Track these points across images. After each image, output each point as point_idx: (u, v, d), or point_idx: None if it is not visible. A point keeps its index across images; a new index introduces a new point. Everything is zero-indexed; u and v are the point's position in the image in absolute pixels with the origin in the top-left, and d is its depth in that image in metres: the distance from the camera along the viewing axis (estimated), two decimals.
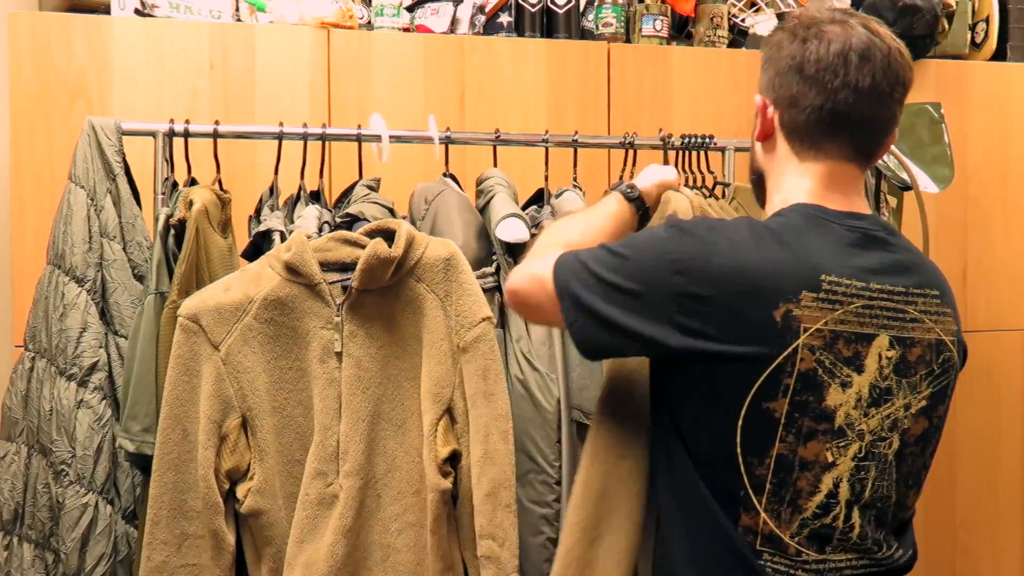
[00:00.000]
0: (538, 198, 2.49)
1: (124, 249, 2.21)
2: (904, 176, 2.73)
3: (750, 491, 1.59)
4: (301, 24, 2.98)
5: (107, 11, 2.88)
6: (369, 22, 3.12)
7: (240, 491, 2.03)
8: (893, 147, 2.73)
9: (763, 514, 1.60)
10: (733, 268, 1.56)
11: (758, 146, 1.76)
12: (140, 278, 2.20)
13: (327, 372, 2.04)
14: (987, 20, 3.56)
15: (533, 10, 3.21)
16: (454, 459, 2.07)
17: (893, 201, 2.86)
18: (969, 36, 3.58)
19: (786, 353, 1.55)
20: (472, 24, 3.17)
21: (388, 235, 2.09)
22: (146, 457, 2.05)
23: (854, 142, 1.67)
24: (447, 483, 2.03)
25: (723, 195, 2.56)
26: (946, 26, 3.45)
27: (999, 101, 3.53)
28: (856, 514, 1.63)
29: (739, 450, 1.58)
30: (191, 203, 2.13)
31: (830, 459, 1.59)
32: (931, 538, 3.46)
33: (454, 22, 3.15)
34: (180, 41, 2.87)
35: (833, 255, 1.60)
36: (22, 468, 2.18)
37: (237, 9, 3.02)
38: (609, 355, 1.80)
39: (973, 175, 3.49)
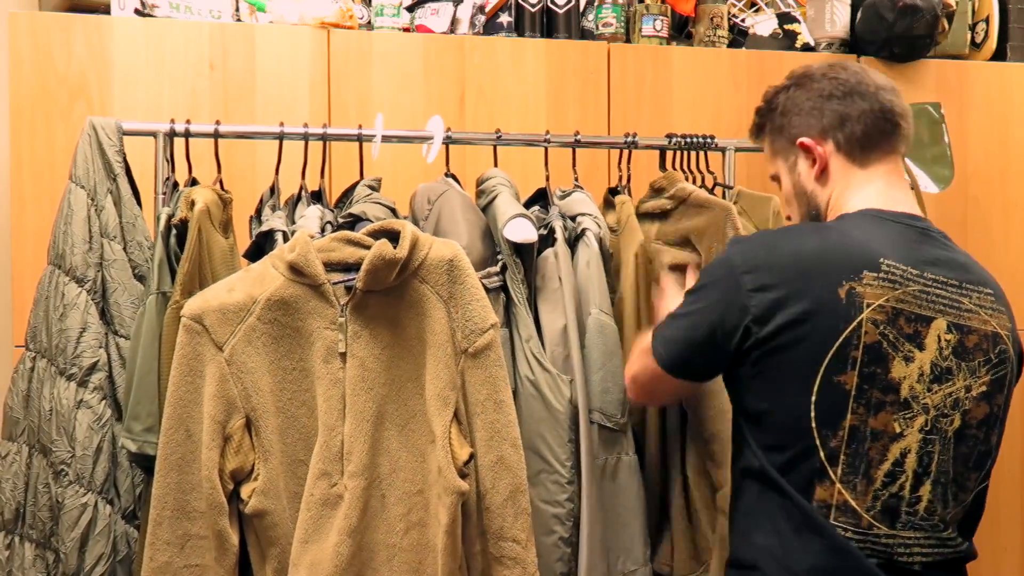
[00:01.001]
0: (538, 198, 2.49)
1: (124, 249, 2.21)
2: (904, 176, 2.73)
3: (826, 463, 1.72)
4: (301, 24, 2.97)
5: (107, 11, 2.88)
6: (369, 22, 3.12)
7: (244, 492, 2.02)
8: None
9: (838, 484, 1.72)
10: (794, 253, 1.76)
11: (812, 186, 1.90)
12: (140, 278, 2.20)
13: (331, 372, 2.04)
14: (987, 20, 3.56)
15: (533, 10, 3.21)
16: (467, 461, 2.07)
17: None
18: (969, 36, 3.58)
19: (852, 327, 1.70)
20: (472, 24, 3.17)
21: (392, 236, 2.08)
22: (148, 457, 2.05)
23: (899, 133, 1.87)
24: (466, 485, 2.03)
25: (723, 196, 2.56)
26: (946, 26, 3.45)
27: (999, 101, 3.53)
28: (925, 488, 1.73)
29: (814, 424, 1.71)
30: (193, 203, 2.13)
31: (897, 430, 1.71)
32: None
33: (454, 22, 3.15)
34: (180, 41, 2.86)
35: (891, 244, 1.76)
36: (23, 468, 2.18)
37: (237, 9, 3.02)
38: (716, 371, 1.92)
39: (973, 175, 3.49)
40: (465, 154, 2.72)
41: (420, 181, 2.46)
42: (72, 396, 2.14)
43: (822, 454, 1.71)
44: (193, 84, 2.87)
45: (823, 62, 1.95)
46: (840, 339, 1.69)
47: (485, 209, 2.34)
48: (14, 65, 2.76)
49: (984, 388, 1.77)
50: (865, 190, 1.85)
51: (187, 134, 2.29)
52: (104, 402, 2.16)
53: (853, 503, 1.72)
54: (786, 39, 3.41)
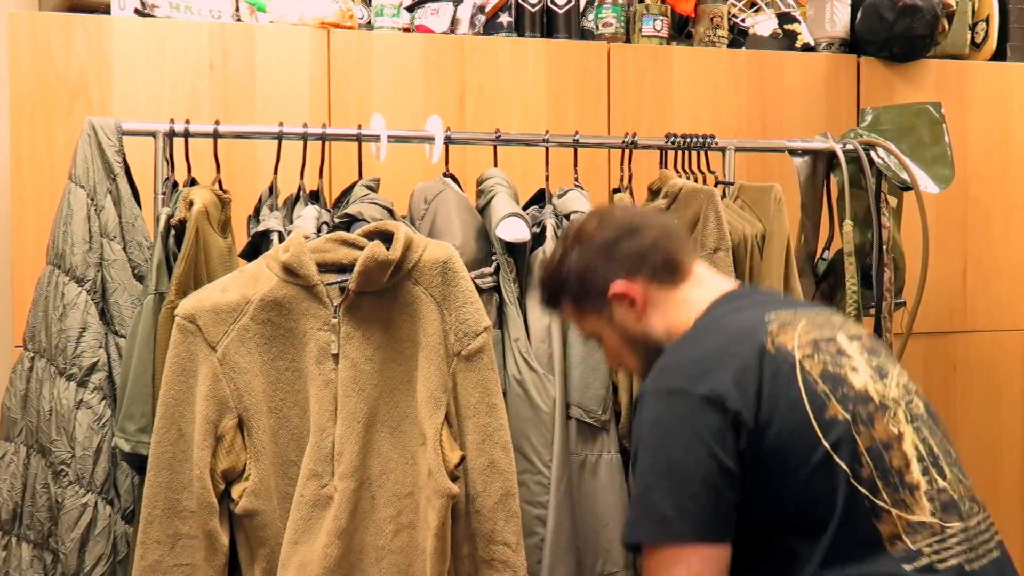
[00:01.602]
0: (539, 198, 2.49)
1: (124, 249, 2.21)
2: (904, 176, 2.72)
3: (870, 496, 1.62)
4: (301, 24, 2.98)
5: (107, 11, 2.88)
6: (369, 22, 3.12)
7: (235, 492, 2.02)
8: (894, 147, 2.75)
9: (893, 511, 1.62)
10: (707, 349, 1.70)
11: (641, 326, 1.84)
12: (140, 278, 2.20)
13: (323, 373, 2.04)
14: (987, 20, 3.56)
15: (533, 10, 3.21)
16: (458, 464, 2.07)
17: (893, 201, 2.86)
18: (969, 36, 3.58)
19: (797, 369, 1.66)
20: (472, 24, 3.17)
21: (386, 237, 2.08)
22: (141, 457, 2.05)
23: (688, 246, 1.92)
24: (456, 488, 2.04)
25: (724, 194, 2.56)
26: (946, 26, 3.45)
27: (999, 101, 3.53)
28: (945, 469, 1.70)
29: (843, 466, 1.62)
30: (191, 203, 2.13)
31: (895, 431, 1.67)
32: None
33: (454, 22, 3.15)
34: (180, 41, 2.87)
35: (760, 306, 1.78)
36: (21, 468, 2.18)
37: (237, 9, 3.02)
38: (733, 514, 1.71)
39: (973, 175, 3.49)
40: (465, 154, 2.72)
41: (419, 181, 2.46)
42: (72, 396, 2.14)
43: (864, 490, 1.62)
44: (193, 84, 2.87)
45: (581, 216, 1.95)
46: (800, 382, 1.65)
47: (483, 209, 2.35)
48: (14, 65, 2.76)
49: (906, 374, 1.79)
50: (692, 297, 1.83)
51: (187, 134, 2.29)
52: (104, 402, 2.16)
53: (918, 517, 1.64)
54: (786, 39, 3.41)
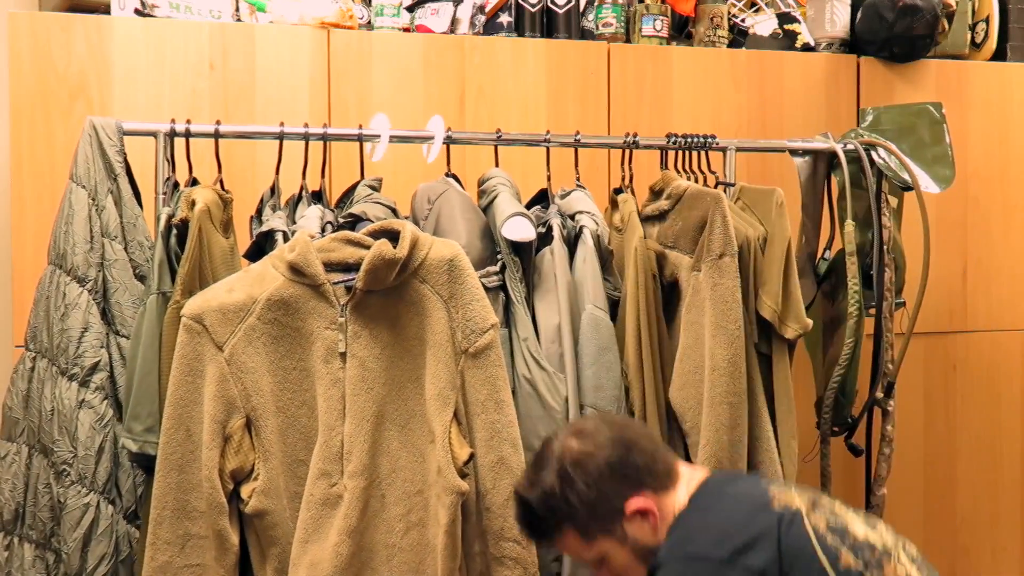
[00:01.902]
0: (541, 198, 2.49)
1: (125, 249, 2.21)
2: (905, 176, 2.72)
3: None
4: (301, 24, 2.97)
5: (107, 11, 2.88)
6: (369, 22, 3.12)
7: (244, 491, 2.03)
8: (894, 147, 2.75)
9: None
10: (732, 536, 1.76)
11: (654, 539, 1.85)
12: (141, 278, 2.20)
13: (331, 372, 2.04)
14: (987, 20, 3.56)
15: (533, 10, 3.21)
16: (467, 461, 2.08)
17: (894, 201, 2.86)
18: (969, 36, 3.58)
19: (807, 526, 1.76)
20: (472, 24, 3.17)
21: (392, 236, 2.08)
22: (149, 457, 2.05)
23: (662, 454, 1.92)
24: (466, 485, 2.04)
25: (725, 194, 2.56)
26: (946, 26, 3.45)
27: (999, 101, 3.53)
28: None
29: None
30: (193, 203, 2.13)
31: (904, 573, 1.76)
32: (931, 538, 3.45)
33: (454, 22, 3.14)
34: (180, 41, 2.86)
35: (743, 477, 1.94)
36: (23, 468, 2.18)
37: (237, 9, 3.01)
38: None
39: (973, 175, 3.49)
40: (465, 154, 2.72)
41: (420, 181, 2.46)
42: (74, 396, 2.14)
43: None
44: (193, 84, 2.87)
45: (559, 442, 1.88)
46: (812, 536, 1.74)
47: (486, 209, 2.35)
48: (14, 65, 2.76)
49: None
50: (681, 493, 1.87)
51: (187, 134, 2.29)
52: (106, 402, 2.16)
53: None
54: (786, 39, 3.41)
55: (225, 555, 2.02)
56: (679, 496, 1.86)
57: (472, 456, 2.07)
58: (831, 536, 1.75)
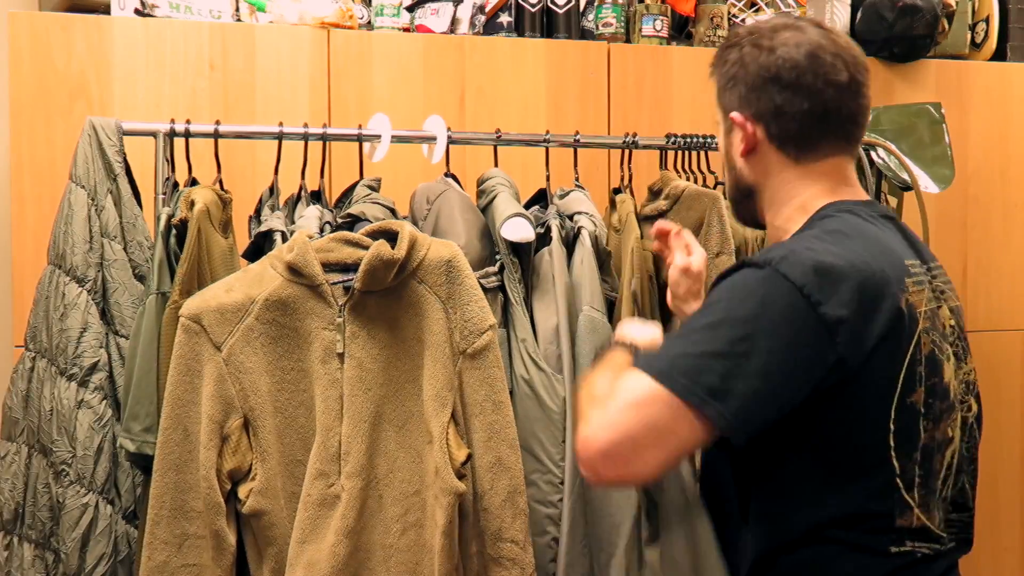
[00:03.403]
0: (539, 198, 2.49)
1: (125, 249, 2.21)
2: (905, 176, 2.73)
3: (903, 491, 1.58)
4: (301, 24, 2.97)
5: (107, 11, 2.88)
6: (369, 22, 3.12)
7: (242, 492, 2.03)
8: (894, 147, 2.75)
9: (916, 510, 1.59)
10: (852, 272, 1.51)
11: (740, 162, 1.74)
12: (141, 278, 2.20)
13: (329, 373, 2.04)
14: (987, 20, 3.56)
15: (533, 10, 3.21)
16: (464, 462, 2.08)
17: (893, 201, 2.87)
18: (969, 36, 3.58)
19: (914, 342, 1.55)
20: (472, 24, 3.17)
21: (390, 236, 2.08)
22: (147, 457, 2.05)
23: (845, 134, 1.70)
24: (463, 486, 2.04)
25: (725, 195, 2.56)
26: (946, 26, 3.46)
27: (999, 101, 3.53)
28: (965, 480, 1.68)
29: (893, 453, 1.55)
30: (193, 203, 2.13)
31: (950, 435, 1.62)
32: None
33: (454, 22, 3.14)
34: (180, 41, 2.86)
35: (898, 242, 1.64)
36: (22, 468, 2.18)
37: (237, 9, 3.02)
38: (760, 429, 1.54)
39: (973, 175, 3.49)
40: (465, 154, 2.72)
41: (420, 181, 2.46)
42: (73, 396, 2.14)
43: (901, 483, 1.57)
44: (193, 84, 2.87)
45: (786, 19, 1.73)
46: (908, 358, 1.54)
47: (485, 209, 2.35)
48: (14, 65, 2.76)
49: (973, 364, 1.71)
50: (812, 187, 1.70)
51: (187, 134, 2.29)
52: (105, 402, 2.16)
53: (928, 523, 1.60)
54: None
55: (222, 555, 2.02)
56: (802, 190, 1.69)
57: (470, 457, 2.07)
58: (924, 365, 1.55)
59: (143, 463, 2.08)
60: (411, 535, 2.06)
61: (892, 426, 1.54)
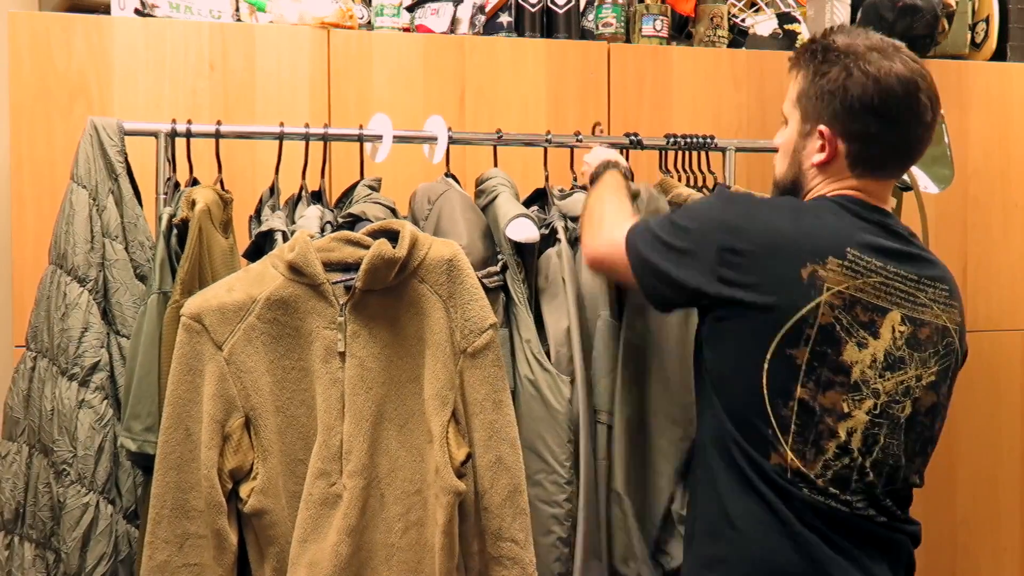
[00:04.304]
0: (537, 198, 2.49)
1: (126, 249, 2.21)
2: (904, 176, 2.73)
3: (777, 431, 1.81)
4: (301, 24, 2.97)
5: (107, 11, 2.88)
6: (369, 22, 3.12)
7: (243, 491, 2.03)
8: None
9: (790, 453, 1.81)
10: (770, 229, 1.83)
11: (808, 165, 1.93)
12: (142, 278, 2.20)
13: (330, 372, 2.04)
14: (987, 20, 3.56)
15: (533, 10, 3.21)
16: (464, 461, 2.08)
17: (893, 201, 2.86)
18: (969, 36, 3.58)
19: (809, 307, 1.78)
20: (472, 24, 3.17)
21: (391, 235, 2.08)
22: (148, 456, 2.05)
23: (910, 162, 1.96)
24: (463, 485, 2.04)
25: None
26: (946, 26, 3.46)
27: (999, 101, 3.53)
28: (869, 467, 1.82)
29: (765, 391, 1.81)
30: (194, 203, 2.13)
31: (846, 409, 1.80)
32: (931, 538, 3.45)
33: (454, 22, 3.14)
34: (180, 41, 2.86)
35: (860, 234, 1.84)
36: (23, 468, 2.18)
37: (237, 9, 3.01)
38: (671, 305, 2.04)
39: (973, 175, 3.49)
40: (465, 154, 2.72)
41: (420, 181, 2.46)
42: (74, 396, 2.14)
43: (774, 422, 1.81)
44: (193, 84, 2.87)
45: (882, 42, 1.89)
46: (797, 316, 1.78)
47: (485, 209, 2.35)
48: (14, 65, 2.76)
49: (932, 378, 1.87)
50: (851, 187, 1.91)
51: (188, 134, 2.29)
52: (106, 402, 2.16)
53: (804, 469, 1.80)
54: (786, 39, 3.41)
55: (223, 554, 2.02)
56: (842, 188, 1.91)
57: (470, 456, 2.08)
58: (815, 334, 1.80)
59: (144, 462, 2.08)
60: (412, 534, 2.06)
61: (766, 367, 1.80)
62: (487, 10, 3.20)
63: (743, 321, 1.83)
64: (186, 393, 2.01)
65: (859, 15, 3.41)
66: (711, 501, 1.90)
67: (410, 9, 3.15)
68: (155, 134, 2.27)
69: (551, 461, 2.20)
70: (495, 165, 2.47)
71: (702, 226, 1.88)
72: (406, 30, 3.13)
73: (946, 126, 2.92)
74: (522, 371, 2.22)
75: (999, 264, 3.53)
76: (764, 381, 1.80)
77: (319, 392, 2.04)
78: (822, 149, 1.90)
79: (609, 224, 2.08)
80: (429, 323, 2.08)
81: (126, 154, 2.23)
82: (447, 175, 2.44)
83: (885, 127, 1.86)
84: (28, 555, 2.17)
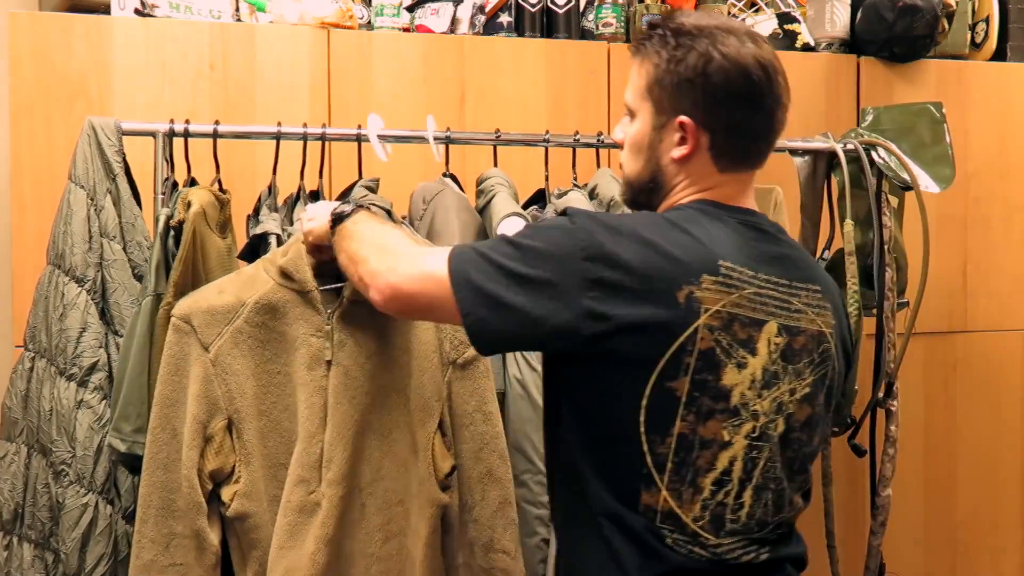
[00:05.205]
0: (538, 198, 2.49)
1: (124, 249, 2.21)
2: (905, 176, 2.72)
3: (652, 469, 1.62)
4: (301, 24, 2.98)
5: (107, 11, 2.88)
6: (369, 22, 3.12)
7: (226, 494, 2.02)
8: (894, 147, 2.74)
9: (664, 491, 1.63)
10: (641, 253, 1.60)
11: (668, 161, 1.74)
12: (140, 278, 2.20)
13: (315, 380, 2.02)
14: (987, 20, 3.56)
15: (533, 10, 3.21)
16: (449, 473, 2.08)
17: (894, 201, 2.86)
18: (969, 36, 3.58)
19: (688, 332, 1.59)
20: (472, 24, 3.17)
21: None
22: (137, 457, 2.04)
23: (766, 153, 1.76)
24: (446, 498, 2.04)
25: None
26: (946, 26, 3.45)
27: (999, 101, 3.53)
28: (748, 494, 1.67)
29: (643, 429, 1.61)
30: (189, 204, 2.13)
31: (726, 438, 1.64)
32: (931, 538, 3.46)
33: (454, 22, 3.15)
34: (180, 41, 2.87)
35: (729, 243, 1.66)
36: (22, 468, 2.18)
37: (237, 9, 3.02)
38: (507, 348, 1.87)
39: (973, 175, 3.49)
40: (465, 154, 2.72)
41: (419, 181, 2.47)
42: (72, 396, 2.14)
43: (649, 460, 1.62)
44: (193, 84, 2.88)
45: (731, 23, 1.73)
46: (675, 345, 1.59)
47: (483, 209, 2.35)
48: (14, 65, 2.76)
49: (807, 390, 1.72)
50: (712, 190, 1.74)
51: (186, 134, 2.29)
52: (104, 402, 2.16)
53: (678, 511, 1.64)
54: (786, 39, 3.41)
55: (204, 555, 2.01)
56: (703, 192, 1.73)
57: (455, 468, 2.07)
58: (695, 361, 1.59)
59: (133, 463, 2.08)
60: (394, 544, 2.05)
61: (644, 402, 1.60)
62: (487, 10, 3.20)
63: (615, 357, 1.60)
64: (173, 393, 2.01)
65: (859, 15, 3.42)
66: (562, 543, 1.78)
67: (410, 9, 3.15)
68: (153, 134, 2.27)
69: (537, 462, 2.20)
70: (495, 165, 2.47)
71: (563, 252, 1.61)
72: (406, 30, 3.13)
73: (947, 126, 2.91)
74: (511, 371, 2.23)
75: (999, 264, 3.53)
76: (641, 418, 1.60)
77: (302, 399, 2.02)
78: (683, 142, 1.71)
79: (408, 254, 1.75)
80: (417, 333, 2.07)
81: (124, 154, 2.24)
82: (446, 175, 2.44)
83: (750, 114, 1.70)
84: (27, 555, 2.18)
